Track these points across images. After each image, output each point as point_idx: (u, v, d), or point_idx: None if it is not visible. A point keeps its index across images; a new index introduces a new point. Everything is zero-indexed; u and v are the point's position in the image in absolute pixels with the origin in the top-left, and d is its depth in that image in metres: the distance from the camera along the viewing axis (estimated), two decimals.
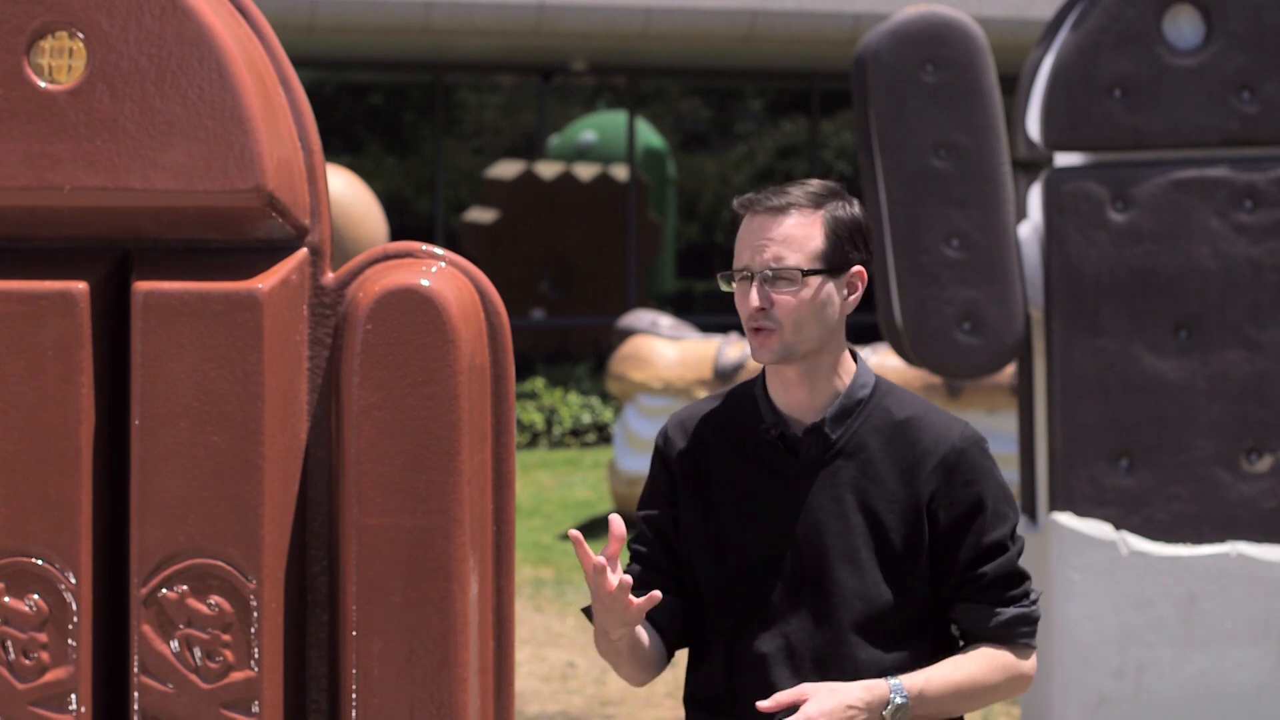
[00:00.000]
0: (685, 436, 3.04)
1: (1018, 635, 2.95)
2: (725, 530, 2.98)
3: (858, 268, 2.97)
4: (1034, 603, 2.98)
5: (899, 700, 2.86)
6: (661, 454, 3.06)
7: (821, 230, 2.93)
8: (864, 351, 10.90)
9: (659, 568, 3.04)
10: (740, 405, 3.05)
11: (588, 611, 3.04)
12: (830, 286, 2.94)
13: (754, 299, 2.91)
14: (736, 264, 2.95)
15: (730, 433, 3.02)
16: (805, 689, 2.84)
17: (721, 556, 2.98)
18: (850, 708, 2.83)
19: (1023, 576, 2.97)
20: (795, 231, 2.92)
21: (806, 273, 2.91)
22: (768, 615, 2.95)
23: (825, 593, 2.93)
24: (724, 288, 2.98)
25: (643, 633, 2.97)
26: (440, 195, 19.67)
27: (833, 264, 2.93)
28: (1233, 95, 5.73)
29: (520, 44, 17.50)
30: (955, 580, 2.95)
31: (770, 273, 2.91)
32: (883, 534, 2.93)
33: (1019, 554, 2.97)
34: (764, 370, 3.04)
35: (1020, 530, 3.12)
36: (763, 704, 2.83)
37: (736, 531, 2.98)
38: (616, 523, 2.78)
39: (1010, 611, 2.94)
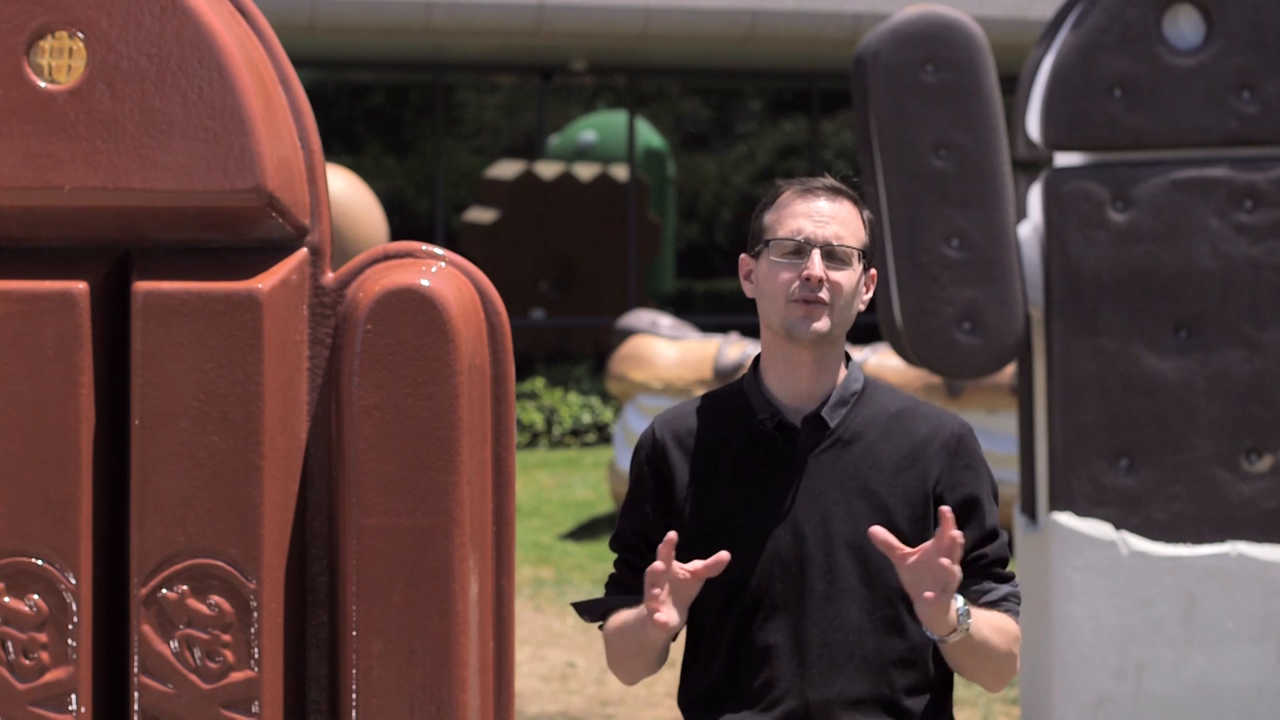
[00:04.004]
0: (676, 437, 3.05)
1: (1009, 610, 3.05)
2: (728, 524, 3.00)
3: (873, 269, 3.06)
4: (1016, 584, 3.09)
5: (962, 607, 2.90)
6: (650, 457, 3.06)
7: (863, 225, 3.02)
8: (864, 351, 10.90)
9: None
10: (730, 402, 3.08)
11: (580, 607, 3.06)
12: (862, 279, 3.01)
13: (817, 268, 2.94)
14: (790, 234, 2.97)
15: (725, 428, 3.04)
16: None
17: (724, 549, 2.98)
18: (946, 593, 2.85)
19: (1008, 559, 3.09)
20: (850, 218, 3.00)
21: (860, 255, 2.98)
22: (774, 605, 2.98)
23: (832, 580, 2.97)
24: (773, 257, 2.97)
25: None
26: (440, 195, 19.66)
27: (869, 258, 3.02)
28: (1233, 95, 5.73)
29: (520, 44, 17.50)
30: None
31: (832, 248, 2.96)
32: (888, 519, 2.97)
33: (1006, 537, 3.09)
34: (755, 364, 3.08)
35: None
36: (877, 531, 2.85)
37: (739, 524, 3.00)
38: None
39: (1004, 589, 3.05)
